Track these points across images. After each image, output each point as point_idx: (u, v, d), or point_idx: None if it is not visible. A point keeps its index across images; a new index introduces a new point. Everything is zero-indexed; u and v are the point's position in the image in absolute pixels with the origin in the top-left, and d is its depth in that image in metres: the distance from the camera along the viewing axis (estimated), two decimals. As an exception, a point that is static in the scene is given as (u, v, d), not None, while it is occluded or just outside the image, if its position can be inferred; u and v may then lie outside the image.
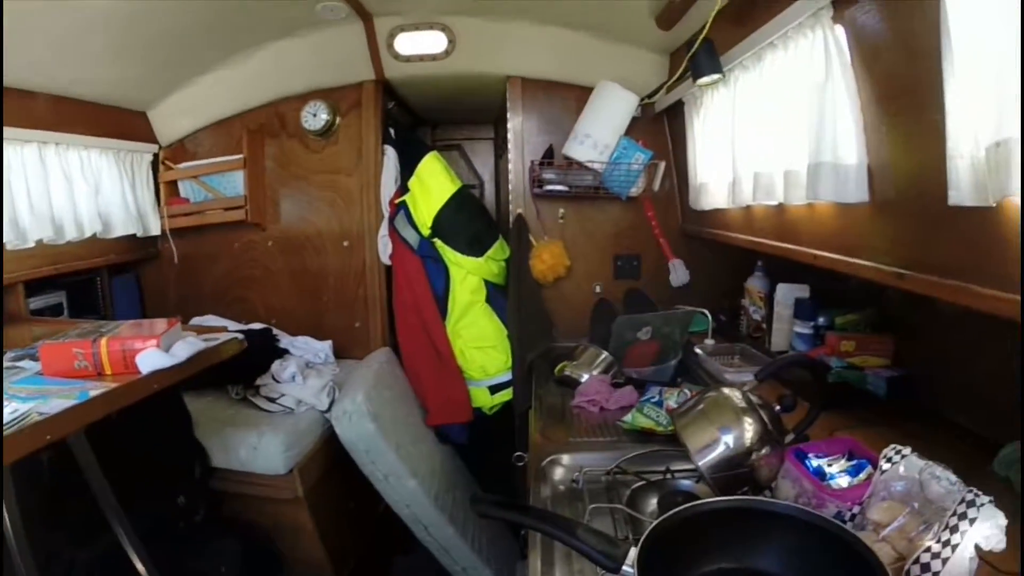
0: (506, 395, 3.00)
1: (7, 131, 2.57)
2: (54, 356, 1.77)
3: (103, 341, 1.75)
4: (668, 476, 1.66)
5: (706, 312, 2.71)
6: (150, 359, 1.73)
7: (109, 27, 2.54)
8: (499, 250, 3.16)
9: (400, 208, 3.16)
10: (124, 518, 2.21)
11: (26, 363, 1.89)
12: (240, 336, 2.14)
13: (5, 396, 1.56)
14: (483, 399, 3.06)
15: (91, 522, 2.20)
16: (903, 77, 1.31)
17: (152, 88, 3.28)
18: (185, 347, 1.83)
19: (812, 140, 1.59)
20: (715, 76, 2.13)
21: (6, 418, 1.38)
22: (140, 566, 2.21)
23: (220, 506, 2.74)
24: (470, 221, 3.12)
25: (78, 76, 2.82)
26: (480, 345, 3.05)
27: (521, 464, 2.02)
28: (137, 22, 2.57)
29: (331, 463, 2.81)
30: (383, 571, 3.30)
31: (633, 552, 1.03)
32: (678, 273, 3.14)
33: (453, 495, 2.86)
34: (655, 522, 1.08)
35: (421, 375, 3.10)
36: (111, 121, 3.15)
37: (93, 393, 1.57)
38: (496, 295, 3.13)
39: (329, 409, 2.80)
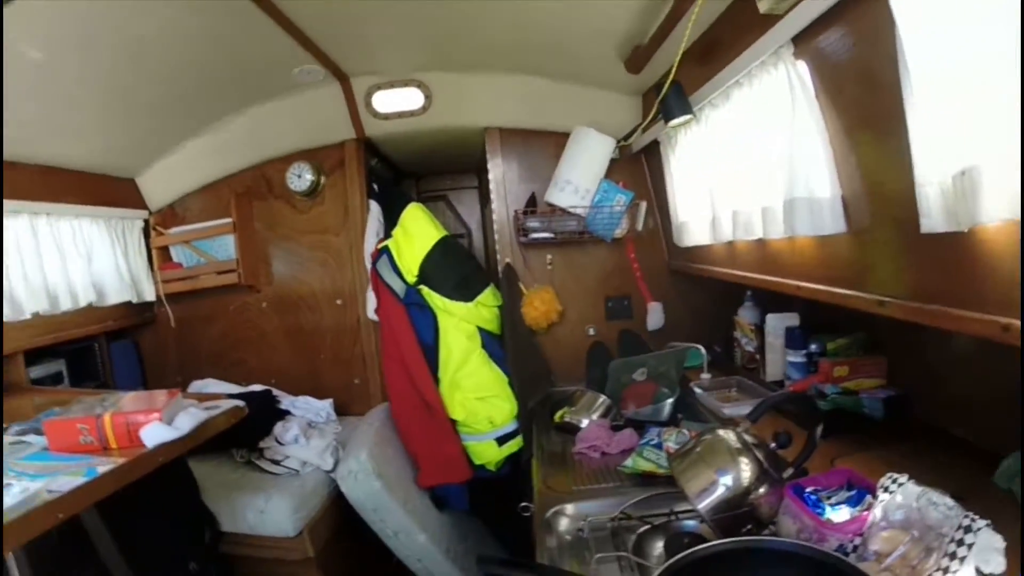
0: (516, 444, 2.89)
1: (6, 204, 2.64)
2: (59, 432, 1.79)
3: (107, 416, 1.77)
4: (672, 518, 1.68)
5: (700, 347, 2.73)
6: (154, 433, 1.75)
7: (92, 100, 2.61)
8: (490, 297, 3.11)
9: (383, 253, 3.10)
10: None
11: (31, 437, 1.91)
12: (241, 403, 2.16)
13: (14, 473, 1.57)
14: (490, 453, 2.92)
15: None
16: (867, 108, 1.34)
17: (138, 156, 3.34)
18: (187, 419, 1.85)
19: (785, 175, 1.62)
20: (686, 117, 2.18)
21: (16, 498, 1.39)
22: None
23: (231, 570, 2.73)
24: (456, 266, 3.07)
25: (63, 148, 2.89)
26: (482, 395, 2.93)
27: (527, 514, 2.02)
28: (120, 94, 2.64)
29: (340, 522, 2.81)
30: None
31: (641, 602, 1.05)
32: (655, 317, 3.17)
33: (465, 545, 2.82)
34: (661, 569, 1.10)
35: (411, 431, 2.98)
36: (99, 189, 3.20)
37: (101, 470, 1.59)
38: (491, 342, 3.06)
39: (334, 469, 2.80)
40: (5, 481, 1.51)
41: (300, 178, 3.38)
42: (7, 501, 1.37)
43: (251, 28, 2.34)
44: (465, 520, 3.00)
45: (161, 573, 2.44)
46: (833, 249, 1.60)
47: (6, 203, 2.67)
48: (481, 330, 3.04)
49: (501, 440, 2.89)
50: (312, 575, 2.69)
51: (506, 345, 3.01)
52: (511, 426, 2.90)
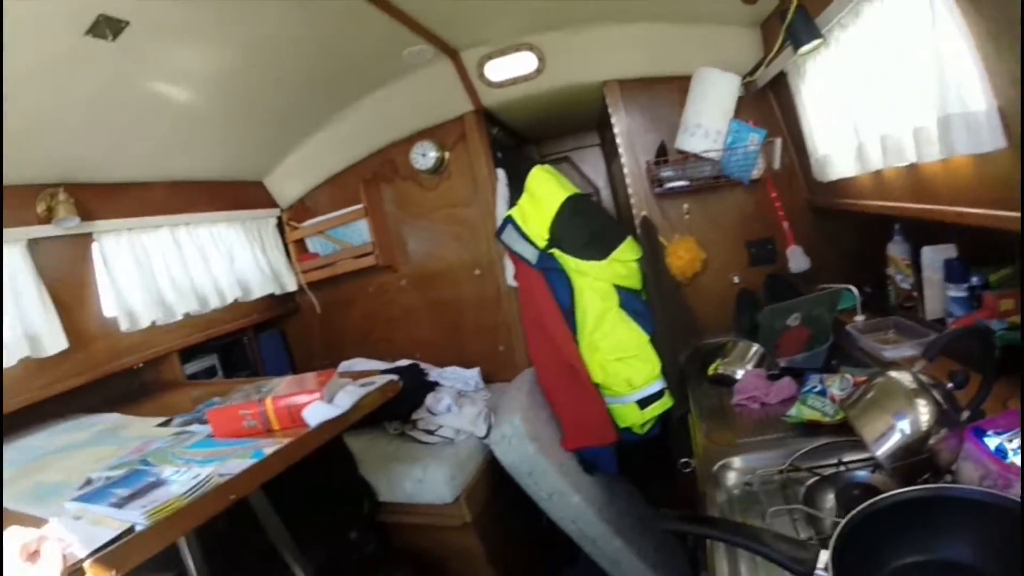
0: (660, 406, 2.79)
1: (139, 220, 2.90)
2: (223, 419, 1.88)
3: (268, 401, 1.84)
4: (842, 469, 1.60)
5: (852, 288, 2.57)
6: (317, 412, 1.81)
7: (214, 115, 2.78)
8: (627, 251, 2.96)
9: (507, 223, 3.04)
10: (301, 557, 2.34)
11: (195, 427, 2.03)
12: (396, 377, 2.21)
13: (183, 461, 1.68)
14: (632, 416, 2.81)
15: (268, 563, 2.35)
16: (1014, 8, 1.20)
17: (263, 159, 3.51)
18: (347, 396, 1.91)
19: (934, 91, 1.50)
20: (815, 42, 2.07)
21: (188, 484, 1.47)
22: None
23: (390, 538, 2.87)
24: (586, 224, 2.95)
25: (193, 162, 3.10)
26: (620, 356, 2.83)
27: (688, 470, 1.98)
28: (239, 105, 2.79)
29: (495, 486, 2.86)
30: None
31: (824, 555, 1.02)
32: (797, 259, 2.98)
33: (617, 506, 2.81)
34: (843, 522, 1.06)
35: (555, 395, 2.95)
36: (231, 194, 3.41)
37: (268, 451, 1.66)
38: (631, 300, 2.92)
39: (487, 435, 2.84)
40: (175, 468, 1.60)
41: (424, 156, 3.43)
42: (178, 488, 1.45)
43: (356, 18, 2.39)
44: (615, 481, 2.98)
45: (324, 545, 2.59)
46: (993, 168, 1.46)
47: (144, 220, 2.94)
48: (619, 288, 2.92)
49: (643, 403, 2.79)
50: (470, 539, 2.76)
51: (651, 300, 2.92)
52: (653, 387, 2.80)
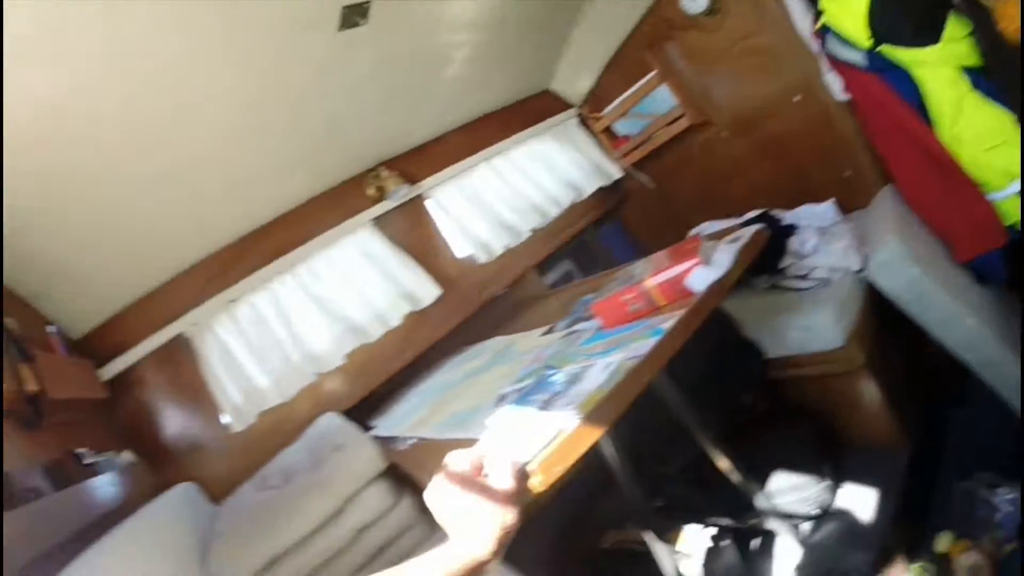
0: None
1: (452, 168, 3.33)
2: (609, 310, 1.92)
3: (648, 280, 1.84)
4: None
5: None
6: (701, 277, 1.78)
7: (483, 49, 3.01)
8: (955, 27, 2.49)
9: (824, 33, 2.73)
10: (703, 426, 2.38)
11: (580, 326, 2.10)
12: (760, 225, 2.14)
13: (585, 357, 1.72)
14: (1014, 211, 2.46)
15: (670, 433, 2.45)
16: None
17: (539, 70, 3.68)
18: (725, 254, 1.87)
19: None
20: None
21: (602, 375, 1.50)
22: (723, 463, 2.39)
23: (781, 394, 2.84)
24: (903, 8, 2.54)
25: (481, 97, 3.39)
26: (991, 144, 2.46)
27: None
28: (502, 28, 2.99)
29: (880, 322, 2.68)
30: (944, 428, 2.91)
31: None
32: None
33: (1011, 325, 2.49)
34: None
35: (931, 205, 2.66)
36: (524, 112, 3.65)
37: (666, 326, 1.63)
38: (980, 80, 2.49)
39: (863, 267, 2.64)
40: (580, 365, 1.65)
41: (694, 1, 3.22)
42: (594, 382, 1.48)
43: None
44: (1003, 300, 2.66)
45: (720, 412, 2.60)
46: None
47: (457, 165, 3.34)
48: (965, 69, 2.51)
49: None
50: (862, 383, 2.64)
51: (993, 76, 2.48)
52: None
